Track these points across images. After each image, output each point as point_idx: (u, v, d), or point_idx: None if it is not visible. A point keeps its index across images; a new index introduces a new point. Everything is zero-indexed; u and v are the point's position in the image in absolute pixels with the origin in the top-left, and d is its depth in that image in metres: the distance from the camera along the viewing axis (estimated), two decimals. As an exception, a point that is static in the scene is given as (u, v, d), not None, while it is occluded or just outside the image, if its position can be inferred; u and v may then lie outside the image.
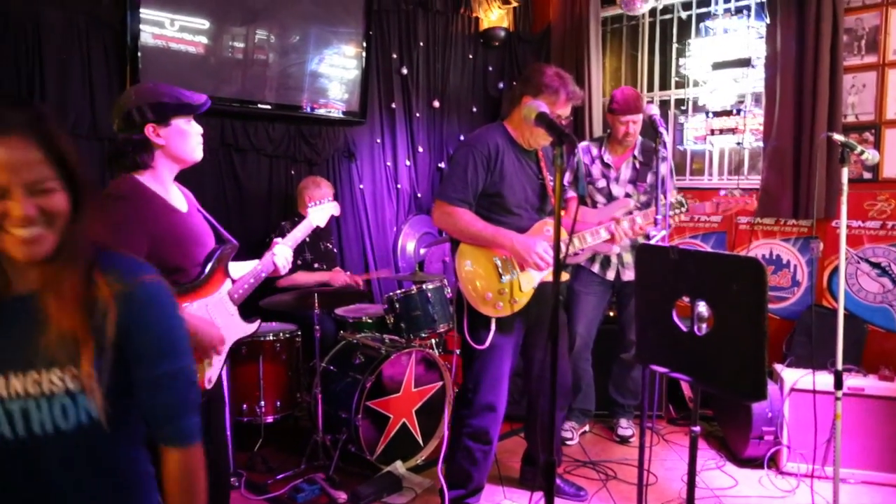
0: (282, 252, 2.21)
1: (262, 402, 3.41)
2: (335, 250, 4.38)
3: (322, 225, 2.57)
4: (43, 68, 3.35)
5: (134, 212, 1.74)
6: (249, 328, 2.09)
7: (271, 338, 3.46)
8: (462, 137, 5.19)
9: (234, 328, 2.04)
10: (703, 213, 3.31)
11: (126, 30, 3.51)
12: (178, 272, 1.83)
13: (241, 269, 2.15)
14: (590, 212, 3.35)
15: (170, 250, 1.80)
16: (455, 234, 2.64)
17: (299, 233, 2.38)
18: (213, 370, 1.94)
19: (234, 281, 2.06)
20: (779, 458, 3.29)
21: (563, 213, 1.77)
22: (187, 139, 1.88)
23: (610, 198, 3.55)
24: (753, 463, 3.34)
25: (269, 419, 3.46)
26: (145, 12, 3.55)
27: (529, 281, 2.66)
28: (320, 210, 2.54)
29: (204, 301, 1.97)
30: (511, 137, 2.69)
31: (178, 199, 1.94)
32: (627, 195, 3.52)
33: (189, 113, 1.88)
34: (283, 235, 4.00)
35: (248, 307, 3.41)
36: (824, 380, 3.01)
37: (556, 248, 1.67)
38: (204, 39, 3.86)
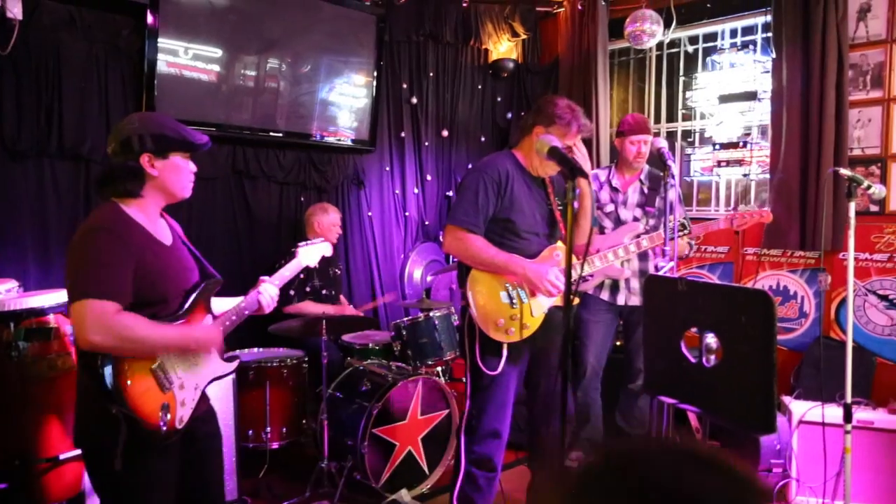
0: (267, 290, 2.10)
1: (269, 428, 3.40)
2: (343, 276, 4.41)
3: (313, 265, 2.47)
4: (62, 96, 3.43)
5: (119, 246, 1.69)
6: (227, 367, 2.01)
7: (278, 364, 3.47)
8: (470, 166, 5.24)
9: (212, 366, 1.95)
10: (715, 229, 3.31)
11: (143, 58, 3.60)
12: (160, 303, 1.79)
13: (225, 306, 2.05)
14: (598, 237, 3.38)
15: (153, 282, 1.75)
16: (466, 260, 2.66)
17: (287, 272, 2.26)
18: (186, 409, 1.83)
19: (215, 317, 1.98)
20: (787, 491, 3.26)
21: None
22: (181, 175, 1.84)
23: (618, 222, 3.57)
24: (762, 496, 3.30)
25: (275, 445, 3.46)
26: (163, 41, 3.64)
27: (539, 307, 2.68)
28: (312, 250, 2.42)
29: None
30: (520, 164, 2.72)
31: (164, 231, 1.89)
32: (636, 219, 3.54)
33: (188, 150, 1.85)
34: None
35: (257, 333, 3.46)
36: (833, 412, 2.99)
37: (568, 277, 1.69)
38: (216, 67, 3.93)
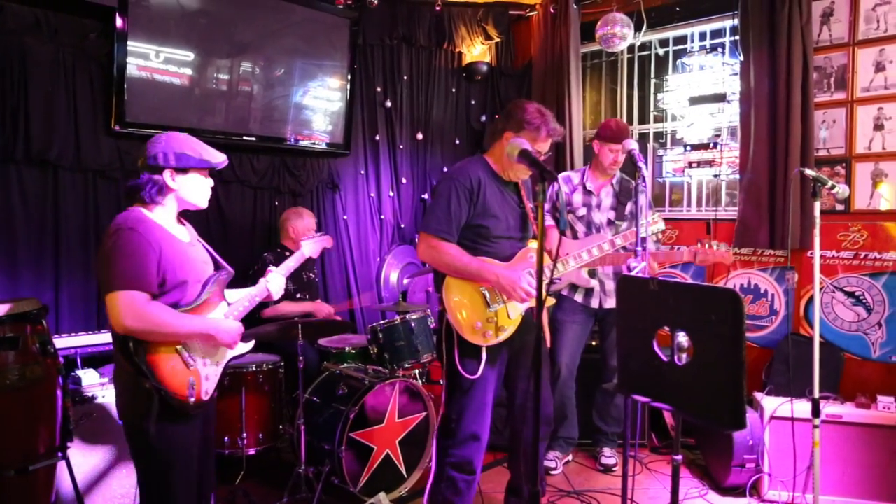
0: (275, 279, 2.39)
1: (245, 435, 3.37)
2: (318, 280, 4.39)
3: (315, 256, 2.68)
4: (28, 101, 3.36)
5: (143, 241, 1.94)
6: (245, 347, 2.28)
7: (254, 369, 3.44)
8: (445, 169, 5.26)
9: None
10: (678, 260, 3.40)
11: (113, 62, 3.55)
12: (182, 285, 2.04)
13: (236, 295, 2.30)
14: (570, 243, 3.41)
15: (174, 270, 2.01)
16: (440, 268, 2.67)
17: (293, 262, 2.52)
18: (210, 383, 2.11)
19: (229, 304, 2.23)
20: (760, 485, 3.32)
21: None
22: (199, 189, 2.12)
23: (590, 227, 3.60)
24: (735, 491, 3.36)
25: (252, 451, 3.43)
26: (133, 45, 3.59)
27: (516, 309, 2.70)
28: (314, 243, 2.67)
29: None
30: (492, 170, 2.74)
31: (181, 231, 2.15)
32: (610, 221, 3.58)
33: (206, 167, 2.12)
34: (266, 266, 4.02)
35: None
36: (803, 407, 3.06)
37: (539, 282, 1.70)
38: (189, 71, 3.90)
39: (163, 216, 2.08)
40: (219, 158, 2.15)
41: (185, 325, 2.01)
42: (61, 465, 2.54)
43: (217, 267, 2.22)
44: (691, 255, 3.25)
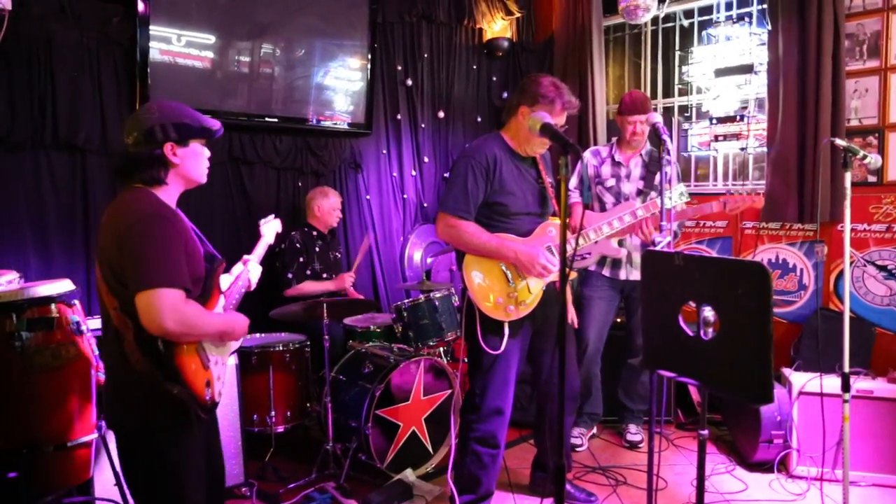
0: (255, 269, 2.30)
1: (273, 413, 3.43)
2: (343, 259, 4.42)
3: (272, 241, 2.56)
4: (55, 87, 3.41)
5: (174, 232, 1.79)
6: (238, 343, 2.15)
7: (281, 348, 3.49)
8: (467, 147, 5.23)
9: (230, 343, 2.09)
10: (709, 213, 3.33)
11: (135, 46, 3.58)
12: (198, 280, 1.87)
13: (224, 284, 2.18)
14: (595, 215, 3.38)
15: (193, 264, 1.84)
16: (459, 246, 2.68)
17: (261, 249, 2.44)
18: (221, 383, 1.99)
19: (225, 296, 2.11)
20: (788, 461, 3.29)
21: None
22: (199, 161, 1.93)
23: (618, 197, 3.57)
24: (763, 467, 3.35)
25: (280, 429, 3.49)
26: (154, 29, 3.62)
27: (537, 283, 2.70)
28: (269, 227, 2.57)
29: None
30: (508, 146, 2.73)
31: (183, 216, 1.98)
32: (639, 191, 3.55)
33: (206, 137, 1.94)
34: (294, 245, 4.02)
35: (258, 319, 3.48)
36: (833, 383, 3.01)
37: (563, 257, 1.70)
38: (210, 54, 3.91)
39: (170, 198, 1.89)
40: (216, 124, 1.96)
41: (213, 322, 1.88)
42: (99, 442, 2.61)
43: (209, 256, 2.00)
44: (720, 206, 3.19)
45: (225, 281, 2.18)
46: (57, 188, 3.52)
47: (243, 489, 3.14)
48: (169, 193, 1.89)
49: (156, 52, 3.65)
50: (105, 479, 2.66)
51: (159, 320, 1.68)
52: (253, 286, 2.28)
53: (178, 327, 1.71)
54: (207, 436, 2.01)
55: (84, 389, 2.51)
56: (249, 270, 2.26)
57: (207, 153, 1.98)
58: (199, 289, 1.88)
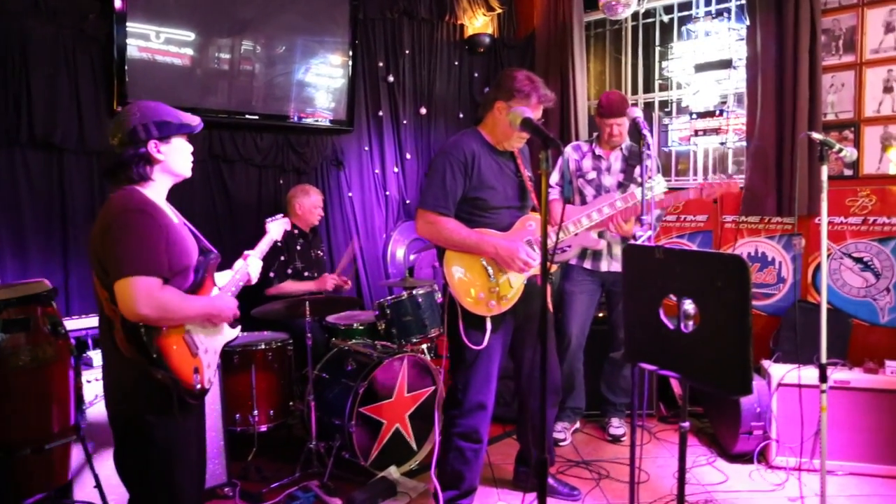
0: (255, 263, 2.36)
1: (256, 412, 3.41)
2: (325, 258, 4.40)
3: (279, 238, 2.61)
4: (30, 84, 3.36)
5: (153, 223, 1.86)
6: (235, 332, 2.23)
7: (263, 347, 3.47)
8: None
9: (224, 332, 2.18)
10: (686, 199, 3.39)
11: (112, 43, 3.53)
12: (185, 271, 1.95)
13: (223, 279, 2.26)
14: (575, 209, 3.40)
15: (178, 256, 1.92)
16: (439, 243, 2.69)
17: (265, 245, 2.48)
18: (211, 371, 2.05)
19: (220, 289, 2.18)
20: (768, 452, 3.34)
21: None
22: (183, 156, 2.02)
23: (599, 189, 3.59)
24: (743, 458, 3.38)
25: (263, 428, 3.47)
26: (132, 25, 3.57)
27: (518, 277, 2.71)
28: (277, 224, 2.62)
29: None
30: (486, 141, 2.73)
31: (171, 211, 2.05)
32: (620, 184, 3.57)
33: (186, 132, 2.02)
34: (275, 245, 4.00)
35: (240, 317, 3.45)
36: (811, 374, 3.05)
37: (544, 251, 1.70)
38: (190, 51, 3.87)
39: (156, 195, 1.97)
40: (195, 119, 2.04)
41: (194, 306, 1.94)
42: (77, 445, 2.58)
43: (203, 250, 2.10)
44: (697, 192, 3.25)
45: (224, 275, 2.26)
46: (33, 187, 3.47)
47: (226, 489, 3.12)
48: (156, 190, 1.97)
49: (134, 48, 3.61)
50: (84, 482, 2.63)
51: (135, 307, 1.76)
52: (253, 280, 2.35)
53: (154, 312, 1.79)
54: (198, 424, 2.08)
55: (62, 391, 2.48)
56: (249, 265, 2.33)
57: (190, 148, 2.05)
58: (189, 279, 1.97)
